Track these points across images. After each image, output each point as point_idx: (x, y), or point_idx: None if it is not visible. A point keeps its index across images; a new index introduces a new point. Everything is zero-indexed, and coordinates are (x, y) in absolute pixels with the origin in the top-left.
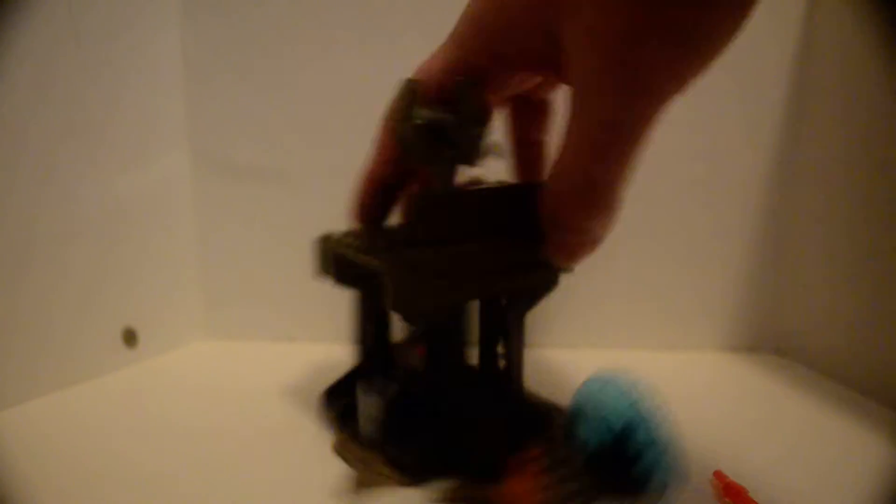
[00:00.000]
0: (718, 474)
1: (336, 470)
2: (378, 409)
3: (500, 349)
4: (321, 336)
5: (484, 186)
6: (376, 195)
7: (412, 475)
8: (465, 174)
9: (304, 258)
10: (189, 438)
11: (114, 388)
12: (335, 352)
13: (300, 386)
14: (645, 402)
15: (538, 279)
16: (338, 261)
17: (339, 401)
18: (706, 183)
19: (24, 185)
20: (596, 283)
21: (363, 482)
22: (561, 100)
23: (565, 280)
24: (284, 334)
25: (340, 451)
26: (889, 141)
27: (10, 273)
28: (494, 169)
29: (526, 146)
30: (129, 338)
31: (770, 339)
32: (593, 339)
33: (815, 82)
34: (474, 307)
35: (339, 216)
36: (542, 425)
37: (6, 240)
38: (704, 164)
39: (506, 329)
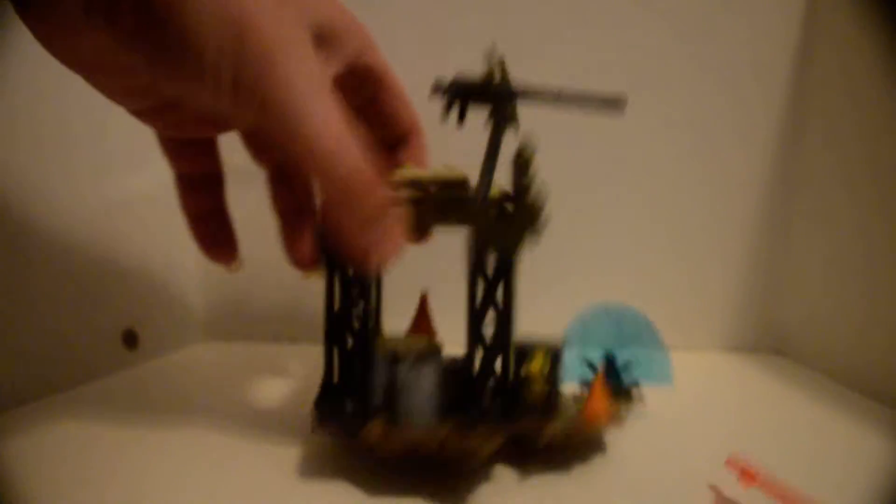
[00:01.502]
0: (731, 462)
1: (337, 467)
2: (432, 381)
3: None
4: (321, 336)
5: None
6: None
7: (502, 433)
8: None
9: None
10: (189, 439)
11: (114, 389)
12: None
13: (300, 387)
14: (629, 325)
15: None
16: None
17: (340, 403)
18: (706, 183)
19: (24, 185)
20: (596, 283)
21: (471, 452)
22: None
23: (566, 280)
24: (284, 335)
25: (397, 443)
26: (889, 141)
27: (9, 274)
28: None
29: None
30: (130, 339)
31: (770, 339)
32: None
33: (816, 82)
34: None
35: None
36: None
37: (5, 240)
38: (704, 164)
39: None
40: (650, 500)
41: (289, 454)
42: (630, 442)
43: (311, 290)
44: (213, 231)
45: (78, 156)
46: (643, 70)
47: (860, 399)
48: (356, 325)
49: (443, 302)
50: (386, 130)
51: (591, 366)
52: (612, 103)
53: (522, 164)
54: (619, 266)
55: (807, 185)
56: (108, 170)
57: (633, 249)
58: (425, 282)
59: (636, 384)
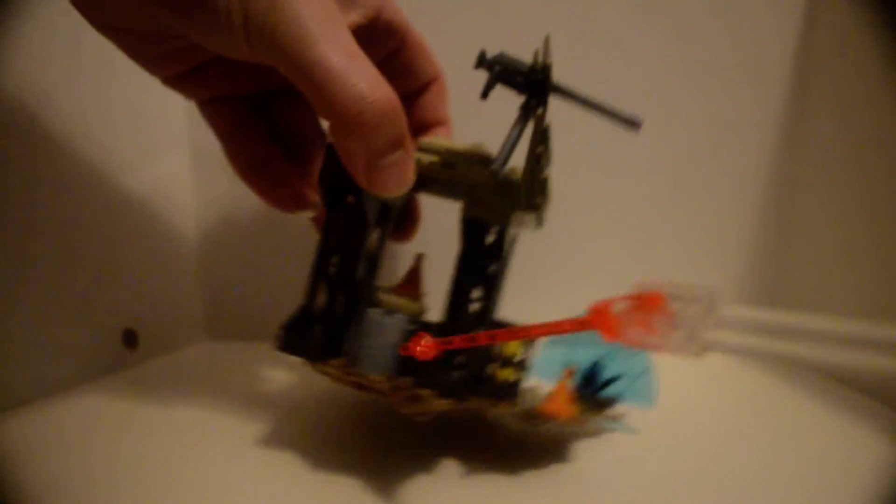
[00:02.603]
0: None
1: (339, 466)
2: (398, 334)
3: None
4: None
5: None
6: None
7: (458, 395)
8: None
9: (305, 258)
10: (189, 439)
11: (114, 389)
12: None
13: (301, 386)
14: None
15: None
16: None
17: (309, 334)
18: (705, 182)
19: (24, 185)
20: (597, 282)
21: (417, 408)
22: None
23: (567, 280)
24: None
25: (353, 379)
26: (889, 141)
27: (9, 274)
28: None
29: None
30: (130, 338)
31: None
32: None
33: (816, 82)
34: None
35: None
36: None
37: (6, 240)
38: (704, 163)
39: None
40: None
41: (288, 452)
42: (626, 442)
43: None
44: (268, 178)
45: (77, 156)
46: (641, 70)
47: (860, 399)
48: (345, 258)
49: (442, 269)
50: (408, 83)
51: (578, 372)
52: (630, 122)
53: (542, 130)
54: (620, 266)
55: (807, 185)
56: (109, 169)
57: (633, 248)
58: (428, 247)
59: (616, 400)
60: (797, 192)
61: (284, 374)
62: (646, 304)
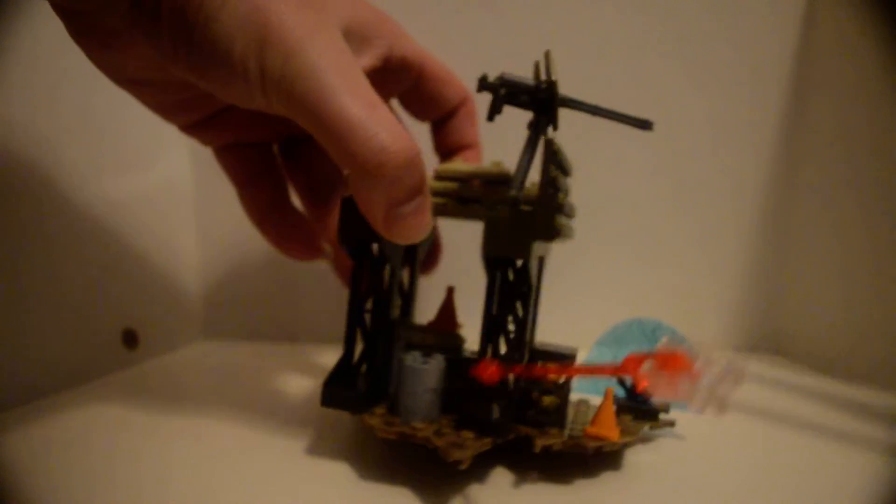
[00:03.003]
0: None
1: (338, 466)
2: (435, 377)
3: None
4: (321, 336)
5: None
6: None
7: (498, 431)
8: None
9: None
10: (189, 439)
11: (114, 389)
12: (335, 352)
13: (300, 386)
14: (665, 341)
15: None
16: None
17: (351, 386)
18: (706, 184)
19: (25, 185)
20: (597, 283)
21: (460, 452)
22: None
23: (567, 281)
24: (284, 334)
25: (396, 430)
26: (889, 141)
27: (9, 274)
28: None
29: None
30: (130, 338)
31: (770, 339)
32: (594, 340)
33: (815, 85)
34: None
35: None
36: None
37: (6, 240)
38: (704, 165)
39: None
40: None
41: (288, 453)
42: (676, 447)
43: (310, 290)
44: (281, 226)
45: (78, 156)
46: (642, 75)
47: (860, 399)
48: (377, 306)
49: (475, 298)
50: (432, 111)
51: (620, 381)
52: (641, 124)
53: (552, 154)
54: (620, 267)
55: (807, 186)
56: (109, 170)
57: (633, 250)
58: (459, 277)
59: (666, 408)
60: (796, 196)
61: (284, 375)
62: (670, 364)
